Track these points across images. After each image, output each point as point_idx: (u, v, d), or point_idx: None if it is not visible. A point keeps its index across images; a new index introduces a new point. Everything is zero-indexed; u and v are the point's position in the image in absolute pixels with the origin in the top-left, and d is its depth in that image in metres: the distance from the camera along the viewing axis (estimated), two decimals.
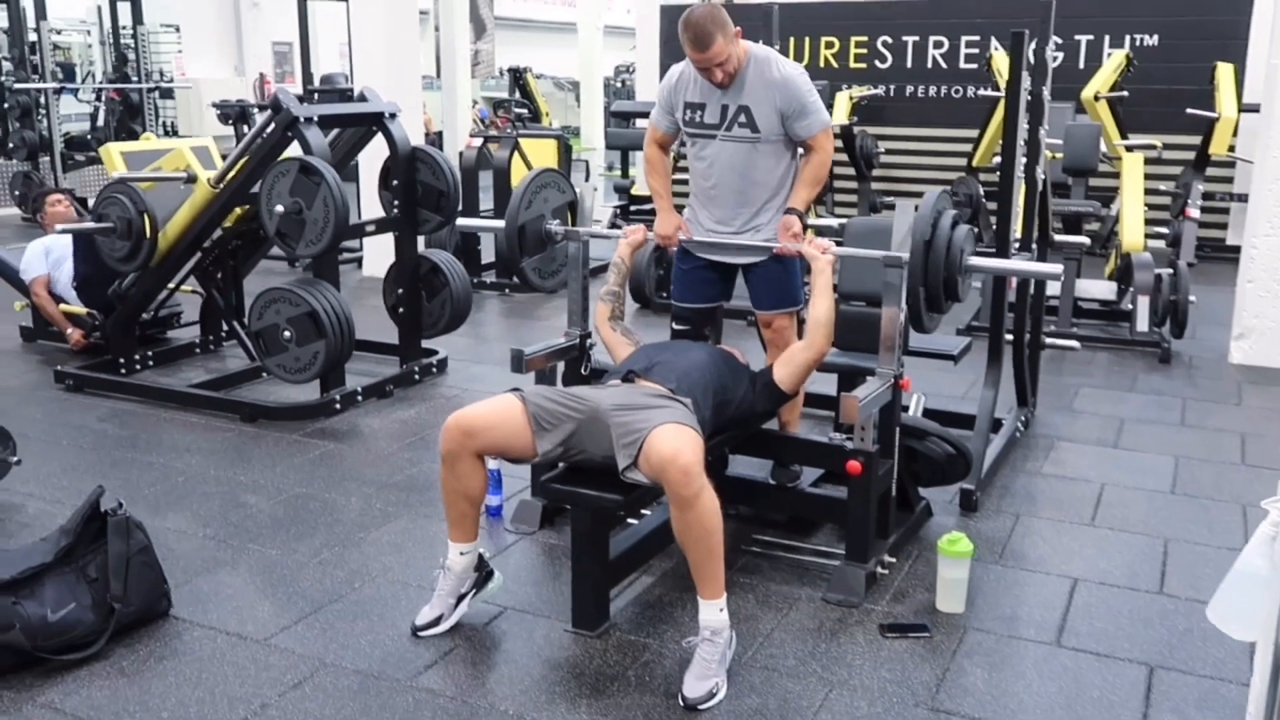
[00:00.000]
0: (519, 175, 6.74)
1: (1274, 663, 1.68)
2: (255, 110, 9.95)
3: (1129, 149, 6.71)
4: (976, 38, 9.04)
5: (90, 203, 5.89)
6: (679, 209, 3.68)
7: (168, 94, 11.75)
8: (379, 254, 7.33)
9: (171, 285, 5.47)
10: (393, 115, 5.14)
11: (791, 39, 9.38)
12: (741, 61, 3.33)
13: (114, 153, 5.26)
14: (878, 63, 9.47)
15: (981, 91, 8.60)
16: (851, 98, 8.91)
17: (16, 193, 10.37)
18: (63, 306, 5.68)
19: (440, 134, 14.95)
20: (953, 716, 2.57)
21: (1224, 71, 7.47)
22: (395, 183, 5.13)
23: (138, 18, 11.23)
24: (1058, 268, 3.46)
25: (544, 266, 3.78)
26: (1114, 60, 7.79)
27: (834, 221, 5.84)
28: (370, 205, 6.88)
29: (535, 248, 3.71)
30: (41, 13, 10.45)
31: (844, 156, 8.82)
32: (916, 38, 9.32)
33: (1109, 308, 6.40)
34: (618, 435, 2.73)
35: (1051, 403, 4.90)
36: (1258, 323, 5.58)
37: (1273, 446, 4.42)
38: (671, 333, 3.73)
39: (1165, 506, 3.82)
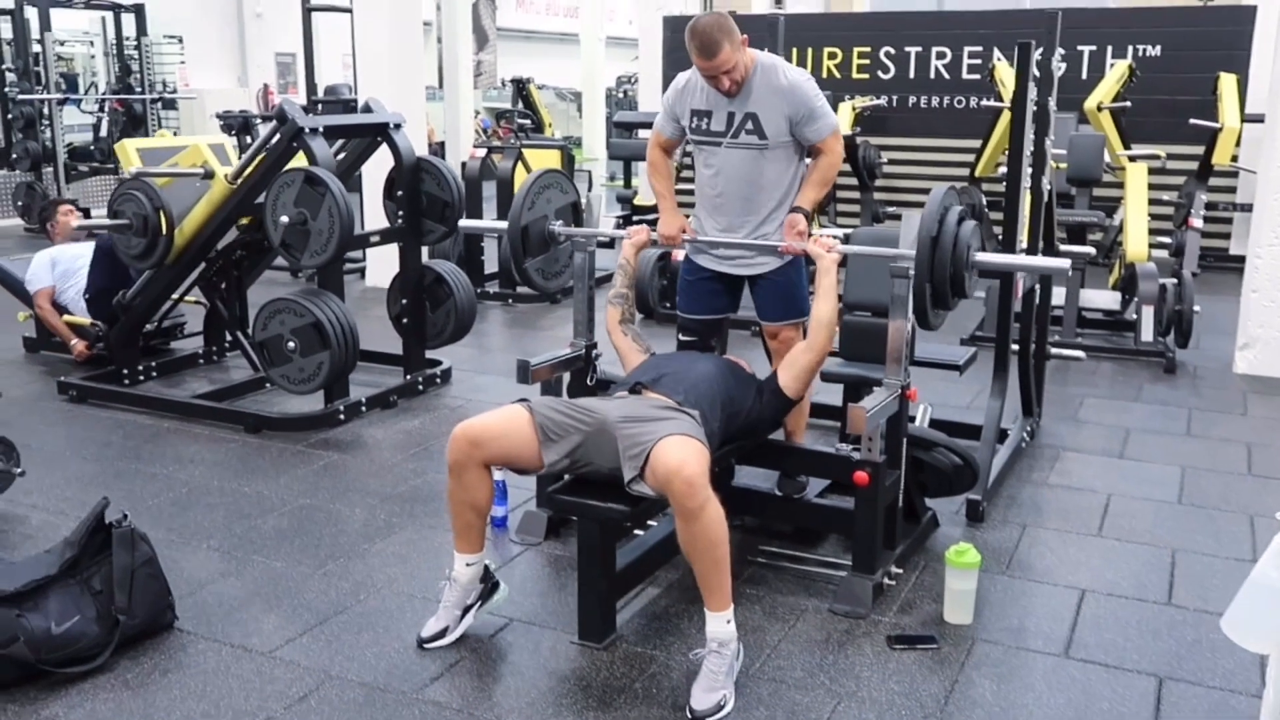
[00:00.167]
0: None
1: None
2: (259, 121, 9.96)
3: (1132, 159, 6.71)
4: (979, 49, 9.05)
5: (93, 214, 5.92)
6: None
7: (171, 105, 11.77)
8: (382, 264, 7.34)
9: (175, 296, 5.47)
10: (398, 126, 5.14)
11: (794, 50, 9.38)
12: (748, 69, 3.33)
13: (130, 149, 5.24)
14: (880, 73, 9.48)
15: (984, 102, 8.61)
16: (854, 108, 8.91)
17: (20, 203, 10.39)
18: (66, 318, 5.68)
19: (442, 144, 14.98)
20: None
21: (1227, 82, 7.47)
22: (400, 193, 5.13)
23: (141, 29, 11.26)
24: (1064, 262, 3.43)
25: (547, 267, 3.78)
26: (1117, 71, 7.80)
27: (838, 232, 5.84)
28: (374, 216, 6.89)
29: (538, 248, 3.71)
30: (46, 24, 10.48)
31: (847, 167, 8.82)
32: (919, 49, 9.32)
33: (1113, 318, 6.39)
34: (624, 447, 2.72)
35: (1056, 413, 4.89)
36: (1262, 332, 5.58)
37: (1279, 456, 4.41)
38: (678, 344, 3.72)
39: (1172, 517, 3.80)
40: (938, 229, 3.11)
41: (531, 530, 3.58)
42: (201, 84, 13.31)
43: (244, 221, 5.13)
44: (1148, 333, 5.78)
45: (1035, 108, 4.12)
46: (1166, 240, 7.68)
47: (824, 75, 9.56)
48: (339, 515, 3.79)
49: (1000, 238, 4.17)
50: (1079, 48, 8.58)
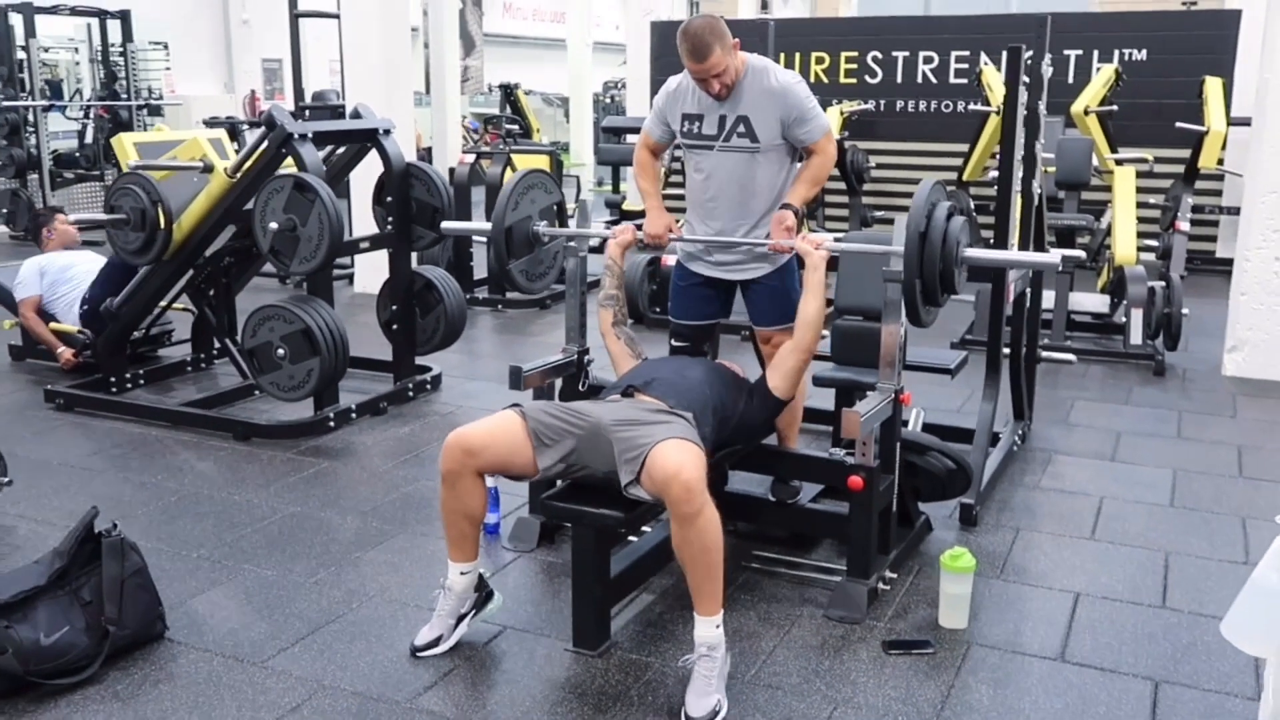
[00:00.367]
0: None
1: None
2: (245, 127, 9.92)
3: (1119, 163, 6.74)
4: (966, 53, 9.08)
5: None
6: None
7: (157, 111, 11.71)
8: (371, 270, 7.32)
9: (164, 303, 5.43)
10: (387, 131, 5.12)
11: (782, 55, 9.39)
12: (739, 73, 3.33)
13: (126, 143, 5.18)
14: (868, 78, 9.50)
15: (971, 106, 8.63)
16: (842, 113, 8.93)
17: (4, 210, 10.32)
18: (53, 325, 5.64)
19: (430, 149, 14.94)
20: None
21: (1212, 86, 7.51)
22: (389, 199, 5.11)
23: (127, 35, 11.20)
24: (1054, 257, 3.41)
25: (532, 269, 3.74)
26: (1103, 75, 7.83)
27: (827, 237, 5.84)
28: (363, 222, 6.86)
29: (523, 249, 3.67)
30: (30, 30, 10.42)
31: (835, 171, 8.83)
32: (906, 53, 9.35)
33: (1102, 321, 6.41)
34: (620, 451, 2.70)
35: (1047, 416, 4.90)
36: (1251, 335, 5.60)
37: (1269, 459, 4.42)
38: (670, 349, 3.71)
39: (1165, 519, 3.81)
40: (926, 224, 3.09)
41: (524, 537, 3.56)
42: (188, 90, 13.25)
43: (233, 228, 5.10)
44: (1137, 335, 5.80)
45: (1025, 111, 4.13)
46: (1154, 243, 7.72)
47: (812, 80, 9.57)
48: (330, 523, 3.76)
49: (990, 241, 4.18)
50: (1065, 52, 8.62)
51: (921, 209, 3.07)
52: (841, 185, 8.86)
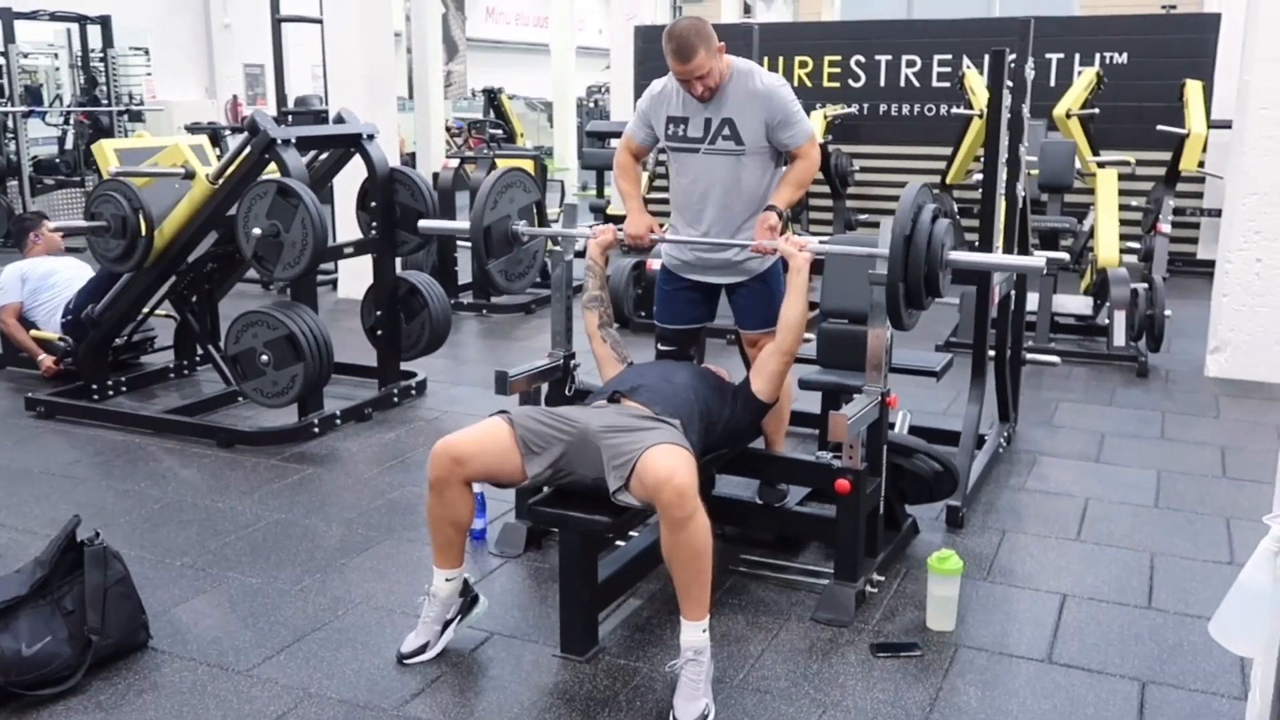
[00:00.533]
0: None
1: (1278, 677, 1.67)
2: (228, 132, 9.88)
3: (1101, 165, 6.77)
4: (949, 56, 9.12)
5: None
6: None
7: (138, 116, 11.66)
8: (355, 276, 7.29)
9: (146, 309, 5.39)
10: (371, 136, 5.11)
11: (766, 59, 9.41)
12: (724, 76, 3.32)
13: (107, 149, 5.14)
14: (851, 82, 9.53)
15: (954, 109, 8.67)
16: (826, 116, 8.95)
17: None
18: (34, 332, 5.59)
19: (413, 155, 14.91)
20: None
21: (1193, 89, 7.56)
22: (373, 204, 5.09)
23: (107, 41, 11.14)
24: (1039, 260, 3.42)
25: (511, 268, 3.72)
26: (1085, 78, 7.87)
27: (812, 239, 5.85)
28: (347, 227, 6.83)
29: (502, 249, 3.66)
30: (9, 36, 10.36)
31: (819, 175, 8.86)
32: (889, 57, 9.38)
33: (1085, 322, 6.44)
34: (609, 457, 2.69)
35: (1032, 418, 4.91)
36: (1233, 336, 5.63)
37: (1252, 459, 4.44)
38: (656, 353, 3.70)
39: (1150, 520, 3.82)
40: (911, 227, 3.09)
41: (511, 542, 3.55)
42: (169, 95, 13.19)
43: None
44: (1120, 337, 5.82)
45: (1009, 115, 4.14)
46: (1136, 245, 7.76)
47: (796, 83, 9.58)
48: (315, 530, 3.74)
49: (975, 243, 4.19)
50: (1047, 55, 8.66)
51: (907, 212, 3.07)
52: (826, 188, 8.88)
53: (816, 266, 3.46)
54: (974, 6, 10.97)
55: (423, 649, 2.86)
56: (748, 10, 19.36)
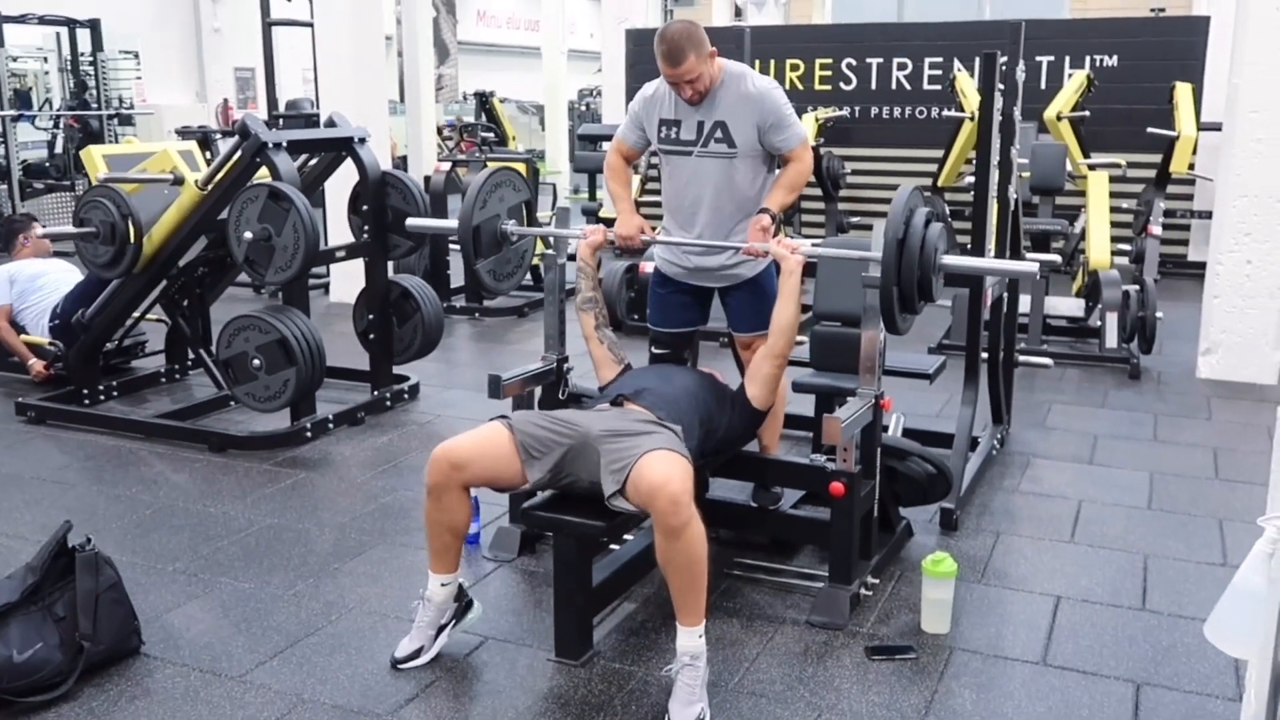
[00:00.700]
0: None
1: (1273, 679, 1.67)
2: (218, 136, 9.85)
3: (1092, 168, 6.79)
4: (940, 59, 9.14)
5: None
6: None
7: (128, 120, 11.63)
8: (346, 279, 7.27)
9: (137, 314, 5.37)
10: (362, 140, 5.10)
11: (757, 62, 9.43)
12: (715, 80, 3.32)
13: (95, 155, 5.12)
14: (843, 85, 9.55)
15: (945, 112, 8.68)
16: (817, 119, 8.97)
17: None
18: (24, 337, 5.57)
19: (405, 158, 14.88)
20: None
21: (1182, 91, 7.59)
22: (365, 208, 5.08)
23: (97, 45, 11.10)
24: (1032, 265, 3.42)
25: (500, 268, 3.71)
26: (1075, 81, 7.90)
27: (805, 242, 5.85)
28: (339, 231, 6.82)
29: (491, 249, 3.65)
30: None
31: (811, 178, 8.88)
32: (880, 60, 9.40)
33: (1077, 324, 6.46)
34: (606, 462, 2.69)
35: (1025, 420, 4.92)
36: (1224, 337, 5.65)
37: (1244, 460, 4.46)
38: (650, 356, 3.69)
39: (1143, 522, 3.83)
40: (904, 231, 3.09)
41: (505, 546, 3.54)
42: (159, 99, 13.15)
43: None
44: (1112, 339, 5.83)
45: (1001, 117, 4.15)
46: (1127, 247, 7.78)
47: (787, 86, 9.60)
48: (308, 535, 3.73)
49: (967, 246, 4.19)
50: (1037, 58, 8.70)
51: (900, 215, 3.07)
52: (817, 191, 8.90)
53: (809, 269, 3.46)
54: (964, 9, 11.00)
55: (417, 654, 2.85)
56: (739, 13, 19.39)
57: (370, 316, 5.16)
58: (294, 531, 3.75)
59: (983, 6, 11.50)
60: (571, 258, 3.70)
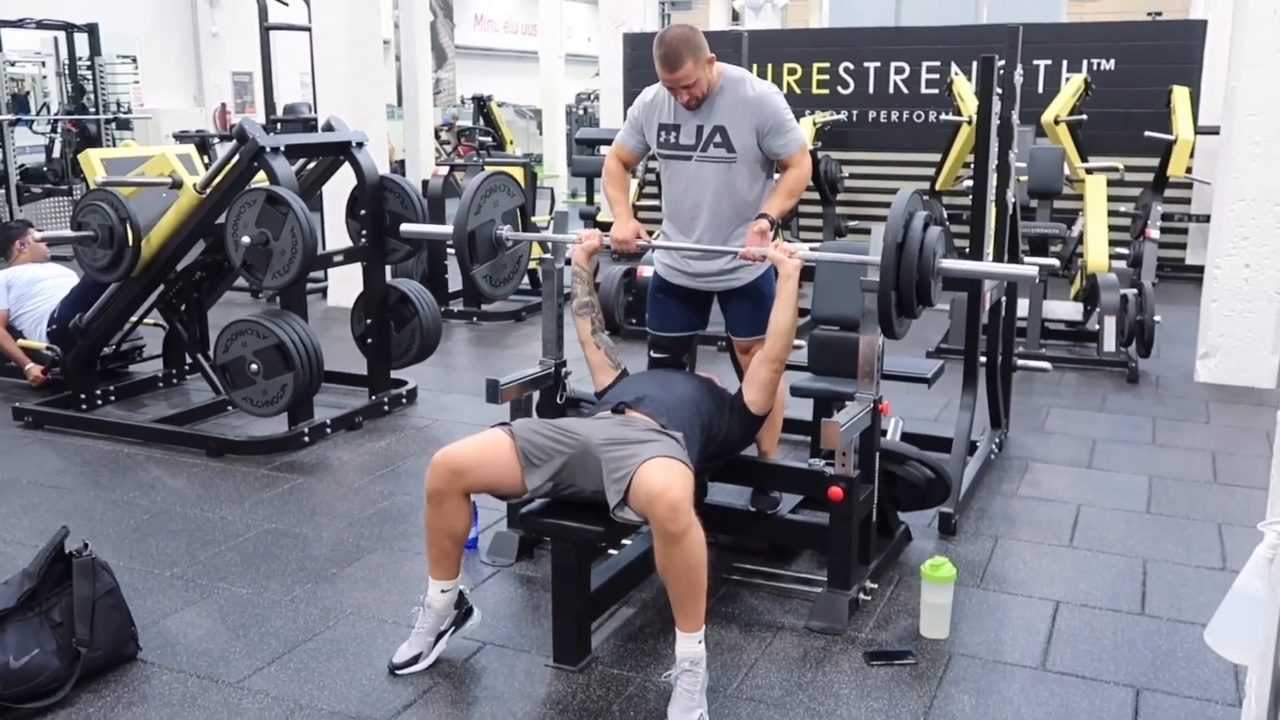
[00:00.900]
0: None
1: (1274, 685, 1.67)
2: (216, 140, 9.85)
3: (1090, 171, 6.79)
4: (937, 63, 9.13)
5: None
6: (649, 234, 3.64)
7: (125, 125, 11.62)
8: (344, 284, 7.27)
9: (134, 318, 5.37)
10: (360, 144, 5.09)
11: (755, 65, 9.42)
12: (714, 85, 3.32)
13: (94, 159, 5.11)
14: (840, 88, 9.54)
15: (943, 116, 8.68)
16: (815, 123, 8.96)
17: None
18: (21, 342, 5.56)
19: (403, 162, 14.89)
20: None
21: (1180, 95, 7.59)
22: (363, 212, 5.08)
23: (95, 49, 11.10)
24: (1031, 269, 3.42)
25: (495, 274, 3.70)
26: (1072, 85, 7.89)
27: (803, 247, 5.85)
28: (336, 235, 6.81)
29: (486, 254, 3.64)
30: None
31: (809, 182, 8.87)
32: (878, 63, 9.40)
33: (1075, 328, 6.46)
34: (608, 471, 2.68)
35: (1023, 424, 4.92)
36: (1223, 341, 5.65)
37: (1243, 464, 4.45)
38: (649, 361, 3.69)
39: (1142, 526, 3.83)
40: (903, 235, 3.08)
41: (503, 551, 3.53)
42: (157, 104, 13.15)
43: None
44: (1110, 343, 5.83)
45: (999, 121, 4.15)
46: (1124, 251, 7.78)
47: (785, 90, 9.59)
48: (306, 540, 3.72)
49: (966, 250, 4.19)
50: (1035, 62, 8.69)
51: (899, 219, 3.06)
52: (815, 195, 8.89)
53: (807, 273, 3.46)
54: (962, 14, 10.97)
55: (415, 660, 2.84)
56: (736, 18, 19.41)
57: (368, 321, 5.15)
58: (292, 537, 3.74)
59: (980, 10, 11.48)
60: (569, 262, 3.69)
